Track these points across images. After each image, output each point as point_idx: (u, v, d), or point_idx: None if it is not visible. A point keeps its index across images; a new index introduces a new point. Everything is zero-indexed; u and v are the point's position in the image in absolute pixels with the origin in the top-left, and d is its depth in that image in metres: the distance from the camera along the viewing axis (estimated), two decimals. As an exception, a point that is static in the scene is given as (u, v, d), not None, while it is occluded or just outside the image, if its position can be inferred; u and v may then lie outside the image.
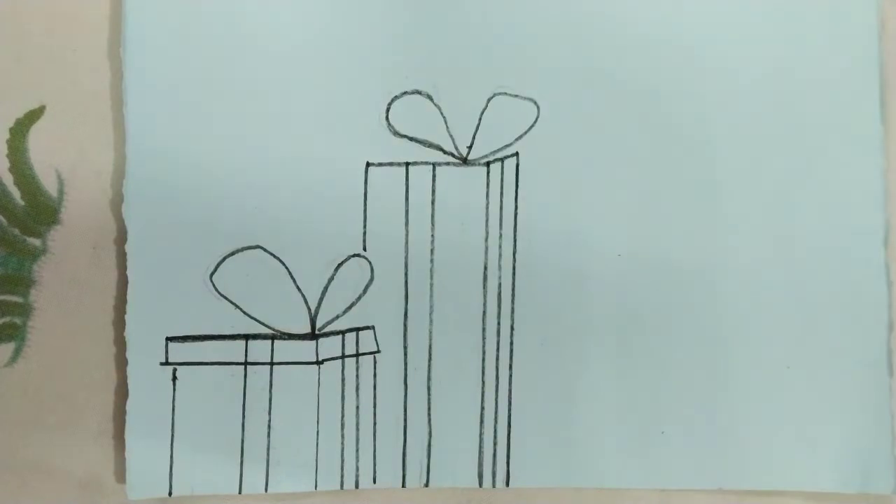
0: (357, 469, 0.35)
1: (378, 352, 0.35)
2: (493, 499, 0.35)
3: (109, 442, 0.35)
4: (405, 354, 0.35)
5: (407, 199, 0.35)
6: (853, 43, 0.36)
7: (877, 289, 0.35)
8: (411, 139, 0.35)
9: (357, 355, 0.35)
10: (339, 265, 0.35)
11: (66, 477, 0.35)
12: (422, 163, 0.35)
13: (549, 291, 0.35)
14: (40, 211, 0.35)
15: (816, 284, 0.35)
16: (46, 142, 0.35)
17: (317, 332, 0.35)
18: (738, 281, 0.35)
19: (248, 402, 0.34)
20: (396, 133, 0.35)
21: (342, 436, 0.35)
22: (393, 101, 0.35)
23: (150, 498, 0.34)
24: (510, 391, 0.35)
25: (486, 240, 0.35)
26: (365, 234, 0.35)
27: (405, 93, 0.35)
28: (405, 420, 0.35)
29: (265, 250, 0.34)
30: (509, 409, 0.35)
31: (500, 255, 0.35)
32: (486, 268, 0.35)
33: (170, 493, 0.34)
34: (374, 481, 0.35)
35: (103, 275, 0.35)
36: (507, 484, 0.35)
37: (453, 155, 0.35)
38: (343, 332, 0.35)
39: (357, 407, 0.35)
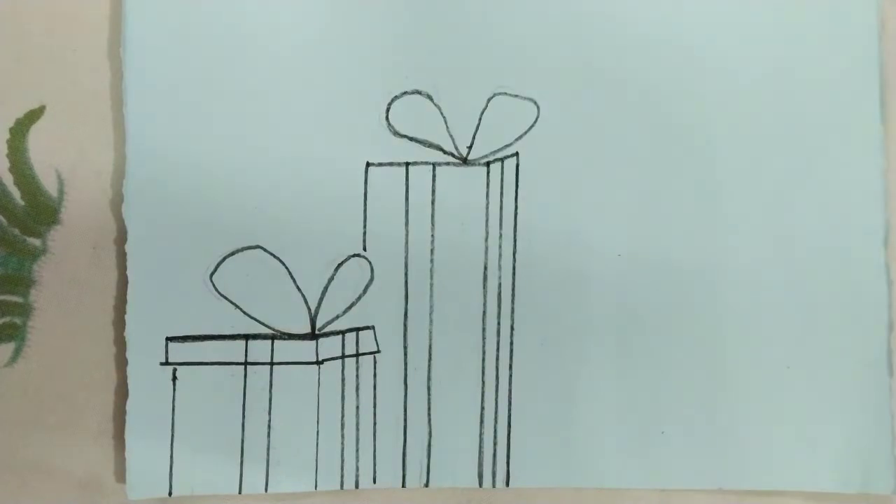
0: (357, 469, 0.35)
1: (378, 352, 0.35)
2: (493, 499, 0.35)
3: (109, 442, 0.35)
4: (405, 354, 0.35)
5: (407, 199, 0.35)
6: (853, 43, 0.36)
7: (877, 289, 0.35)
8: (411, 139, 0.35)
9: (357, 355, 0.35)
10: (339, 265, 0.35)
11: (66, 477, 0.35)
12: (422, 163, 0.35)
13: (549, 291, 0.35)
14: (40, 211, 0.35)
15: (816, 284, 0.35)
16: (46, 142, 0.35)
17: (317, 332, 0.35)
18: (738, 281, 0.35)
19: (248, 402, 0.34)
20: (396, 133, 0.35)
21: (342, 436, 0.35)
22: (393, 101, 0.35)
23: (150, 498, 0.34)
24: (510, 391, 0.35)
25: (486, 240, 0.35)
26: (365, 234, 0.35)
27: (405, 93, 0.35)
28: (405, 420, 0.35)
29: (265, 250, 0.34)
30: (509, 409, 0.35)
31: (500, 255, 0.35)
32: (486, 268, 0.35)
33: (170, 493, 0.34)
34: (374, 481, 0.35)
35: (103, 275, 0.35)
36: (507, 484, 0.35)
37: (453, 155, 0.35)
38: (343, 332, 0.35)
39: (357, 407, 0.35)
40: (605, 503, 0.35)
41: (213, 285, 0.34)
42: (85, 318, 0.35)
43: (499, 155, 0.35)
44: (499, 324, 0.35)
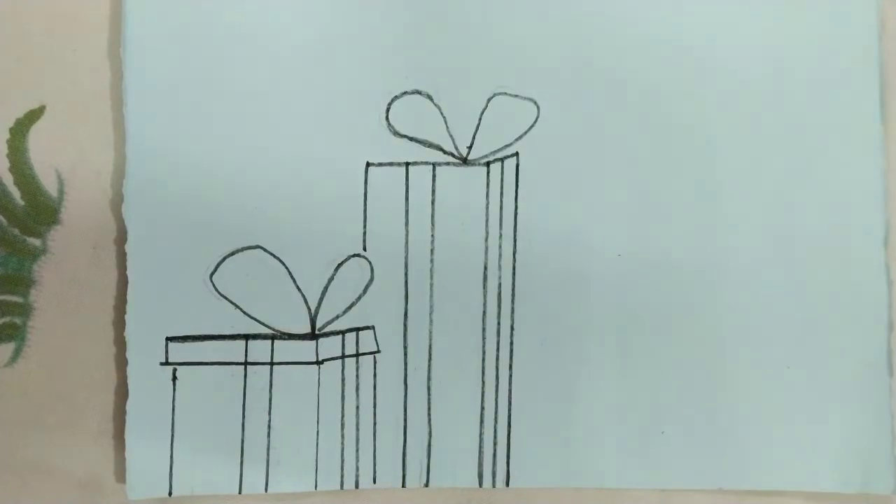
0: (357, 469, 0.35)
1: (378, 352, 0.35)
2: (493, 499, 0.35)
3: (109, 442, 0.35)
4: (405, 354, 0.35)
5: (407, 199, 0.35)
6: (853, 43, 0.36)
7: (877, 289, 0.35)
8: (411, 139, 0.35)
9: (357, 355, 0.35)
10: (339, 265, 0.35)
11: (66, 477, 0.35)
12: (422, 163, 0.35)
13: (549, 291, 0.35)
14: (40, 211, 0.35)
15: (816, 284, 0.35)
16: (46, 142, 0.35)
17: (317, 332, 0.35)
18: (738, 281, 0.35)
19: (248, 402, 0.34)
20: (396, 133, 0.35)
21: (342, 436, 0.35)
22: (393, 101, 0.35)
23: (150, 498, 0.34)
24: (510, 391, 0.35)
25: (486, 240, 0.35)
26: (365, 234, 0.35)
27: (405, 93, 0.35)
28: (405, 420, 0.35)
29: (265, 250, 0.34)
30: (509, 409, 0.35)
31: (500, 255, 0.35)
32: (486, 268, 0.35)
33: (170, 493, 0.34)
34: (374, 481, 0.35)
35: (103, 275, 0.35)
36: (507, 484, 0.35)
37: (453, 155, 0.35)
38: (343, 332, 0.35)
39: (357, 407, 0.35)
40: (605, 503, 0.35)
41: (213, 285, 0.34)
42: (85, 318, 0.35)
43: (499, 155, 0.35)
44: (499, 324, 0.35)
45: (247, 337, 0.34)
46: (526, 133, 0.35)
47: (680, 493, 0.35)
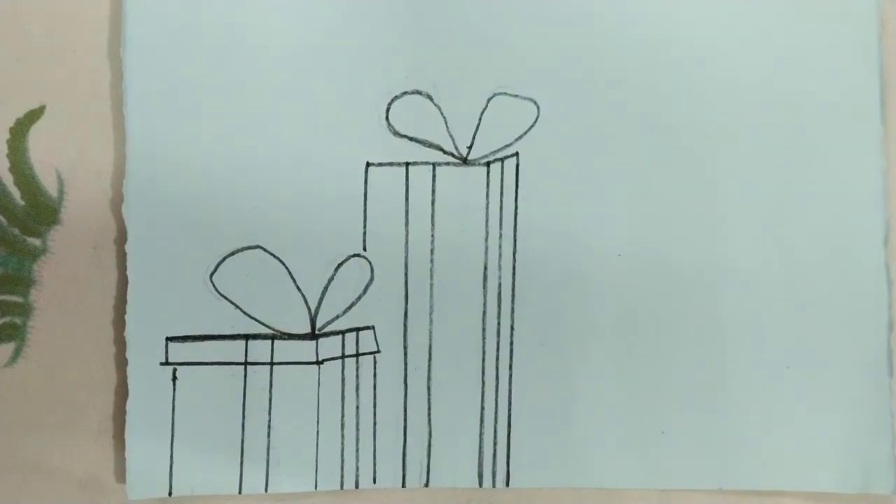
0: (357, 469, 0.35)
1: (378, 352, 0.35)
2: (493, 499, 0.35)
3: (109, 442, 0.35)
4: (405, 354, 0.35)
5: (407, 199, 0.35)
6: (853, 43, 0.36)
7: (877, 289, 0.35)
8: (411, 139, 0.35)
9: (357, 355, 0.35)
10: (339, 265, 0.35)
11: (66, 477, 0.34)
12: (422, 163, 0.35)
13: (549, 291, 0.35)
14: (40, 211, 0.35)
15: (816, 284, 0.35)
16: (46, 142, 0.35)
17: (317, 332, 0.35)
18: (738, 281, 0.35)
19: (248, 402, 0.34)
20: (396, 133, 0.35)
21: (342, 436, 0.35)
22: (393, 101, 0.35)
23: (150, 498, 0.34)
24: (510, 391, 0.35)
25: (486, 240, 0.35)
26: (365, 234, 0.35)
27: (405, 93, 0.35)
28: (405, 420, 0.35)
29: (265, 250, 0.34)
30: (509, 409, 0.35)
31: (500, 255, 0.35)
32: (486, 268, 0.35)
33: (170, 493, 0.34)
34: (374, 481, 0.35)
35: (103, 275, 0.35)
36: (507, 484, 0.35)
37: (453, 155, 0.35)
38: (343, 332, 0.35)
39: (357, 407, 0.35)
40: (605, 503, 0.35)
41: (213, 285, 0.34)
42: (85, 318, 0.35)
43: (499, 155, 0.35)
44: (499, 324, 0.35)
45: (247, 337, 0.34)
46: (526, 133, 0.35)
47: (680, 493, 0.35)
